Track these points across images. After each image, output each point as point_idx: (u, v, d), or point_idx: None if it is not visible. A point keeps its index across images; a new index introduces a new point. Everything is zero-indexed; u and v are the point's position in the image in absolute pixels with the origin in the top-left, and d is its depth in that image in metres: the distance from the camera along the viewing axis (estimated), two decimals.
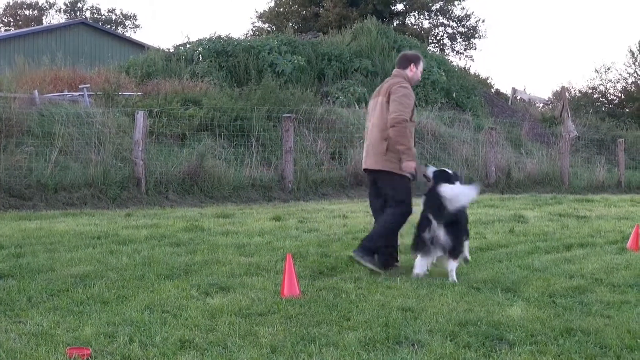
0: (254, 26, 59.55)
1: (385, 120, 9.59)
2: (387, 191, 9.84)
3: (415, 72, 10.03)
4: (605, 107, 54.76)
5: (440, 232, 9.15)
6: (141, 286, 8.39)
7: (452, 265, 9.23)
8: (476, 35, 60.10)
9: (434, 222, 9.20)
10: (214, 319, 7.07)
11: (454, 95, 34.71)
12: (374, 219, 10.25)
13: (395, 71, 10.07)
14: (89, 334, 6.48)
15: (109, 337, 6.45)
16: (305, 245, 11.37)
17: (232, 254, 10.51)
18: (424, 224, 9.31)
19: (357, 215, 15.71)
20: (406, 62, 10.06)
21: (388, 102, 9.63)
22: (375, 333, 6.65)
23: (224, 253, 10.54)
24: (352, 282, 8.86)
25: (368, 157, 9.94)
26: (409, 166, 9.51)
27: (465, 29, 60.03)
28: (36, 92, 21.48)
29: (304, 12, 56.28)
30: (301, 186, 20.21)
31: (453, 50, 60.59)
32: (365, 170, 10.21)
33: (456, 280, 9.08)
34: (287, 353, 6.12)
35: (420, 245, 9.32)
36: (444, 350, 6.23)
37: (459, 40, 60.45)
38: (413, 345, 6.42)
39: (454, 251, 9.23)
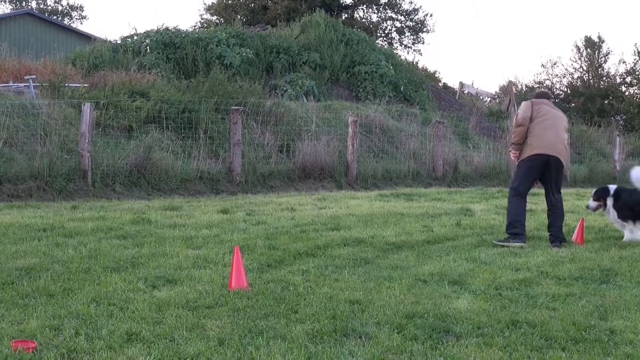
0: (202, 18, 59.23)
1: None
2: (558, 180, 12.13)
3: None
4: (551, 101, 55.20)
5: None
6: (87, 279, 8.33)
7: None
8: (424, 29, 60.37)
9: None
10: (161, 311, 7.04)
11: (402, 89, 34.87)
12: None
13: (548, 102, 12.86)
14: (34, 327, 6.42)
15: (55, 330, 6.40)
16: (253, 238, 11.35)
17: (179, 246, 10.47)
18: None
19: (305, 208, 15.72)
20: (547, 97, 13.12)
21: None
22: (323, 325, 6.65)
23: (171, 246, 10.49)
24: (300, 274, 8.85)
25: (557, 149, 12.00)
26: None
27: (413, 23, 60.24)
28: None
29: (252, 5, 56.06)
30: (249, 179, 20.17)
31: (401, 44, 60.81)
32: (548, 155, 11.95)
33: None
34: (234, 346, 6.11)
35: None
36: (391, 343, 6.25)
37: (407, 34, 60.68)
38: (360, 337, 6.44)
39: None
